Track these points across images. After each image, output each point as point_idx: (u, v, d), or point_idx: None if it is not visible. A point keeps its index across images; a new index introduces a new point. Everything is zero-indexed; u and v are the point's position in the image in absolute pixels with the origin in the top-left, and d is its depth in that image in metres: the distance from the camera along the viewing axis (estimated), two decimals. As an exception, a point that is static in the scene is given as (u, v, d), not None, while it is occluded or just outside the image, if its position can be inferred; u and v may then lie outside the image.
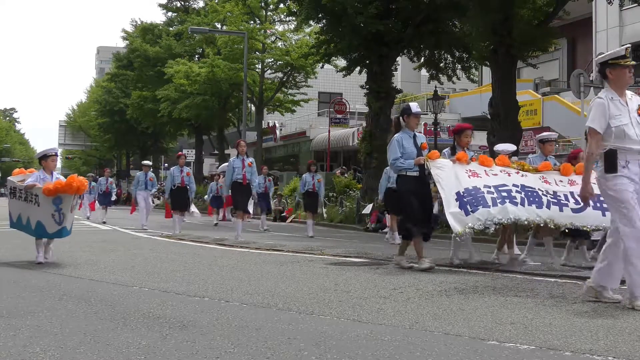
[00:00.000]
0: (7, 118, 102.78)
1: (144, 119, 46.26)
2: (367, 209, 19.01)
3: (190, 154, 48.19)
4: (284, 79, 36.35)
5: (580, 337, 4.03)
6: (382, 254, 9.33)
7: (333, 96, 39.78)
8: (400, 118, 8.04)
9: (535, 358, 3.54)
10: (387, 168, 13.41)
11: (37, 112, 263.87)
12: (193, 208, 16.17)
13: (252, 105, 37.40)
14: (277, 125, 41.74)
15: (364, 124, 23.73)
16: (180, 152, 17.24)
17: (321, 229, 19.84)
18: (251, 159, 13.13)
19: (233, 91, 37.02)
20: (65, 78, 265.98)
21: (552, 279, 6.84)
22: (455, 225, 7.18)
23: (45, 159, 8.43)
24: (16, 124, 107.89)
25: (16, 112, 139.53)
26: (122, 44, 56.77)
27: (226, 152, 41.09)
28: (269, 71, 36.45)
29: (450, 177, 7.51)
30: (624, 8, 24.05)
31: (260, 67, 36.34)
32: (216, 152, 44.55)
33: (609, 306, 5.18)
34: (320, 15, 21.24)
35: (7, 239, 11.83)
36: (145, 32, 47.95)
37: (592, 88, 16.24)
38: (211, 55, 35.91)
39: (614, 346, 3.79)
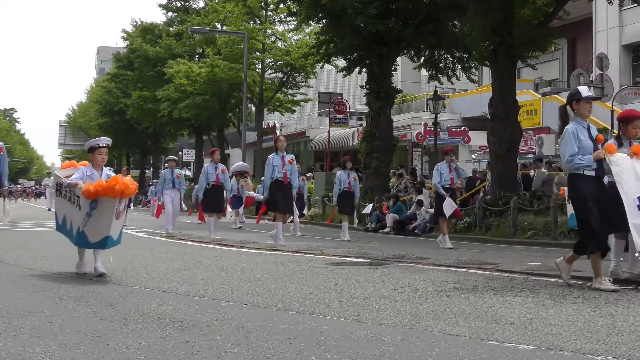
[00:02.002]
0: (7, 118, 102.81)
1: (144, 119, 46.26)
2: (367, 209, 19.02)
3: (190, 154, 48.25)
4: (284, 79, 36.37)
5: (580, 337, 4.03)
6: (382, 254, 9.33)
7: (333, 96, 39.78)
8: (568, 106, 6.81)
9: (535, 358, 3.54)
10: (440, 164, 12.75)
11: (37, 112, 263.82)
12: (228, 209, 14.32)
13: (252, 105, 37.42)
14: (277, 125, 41.76)
15: (364, 124, 23.74)
16: (214, 148, 15.07)
17: (321, 229, 19.84)
18: (292, 156, 12.05)
19: (233, 91, 37.04)
20: (65, 78, 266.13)
21: (552, 279, 6.84)
22: (639, 240, 5.91)
23: (92, 151, 6.95)
24: (16, 124, 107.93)
25: (16, 112, 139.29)
26: (122, 44, 56.80)
27: (226, 152, 41.10)
28: (269, 71, 36.46)
29: (630, 176, 6.14)
30: (624, 8, 24.05)
31: (260, 67, 36.36)
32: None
33: (609, 306, 5.18)
34: (320, 15, 21.25)
35: (6, 239, 11.82)
36: (145, 32, 47.95)
37: (592, 88, 16.24)
38: (211, 55, 35.92)
39: (614, 346, 3.79)
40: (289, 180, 11.54)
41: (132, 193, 6.79)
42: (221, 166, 14.08)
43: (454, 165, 12.84)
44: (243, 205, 20.81)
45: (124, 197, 6.71)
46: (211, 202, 13.83)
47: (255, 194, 21.75)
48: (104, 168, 7.03)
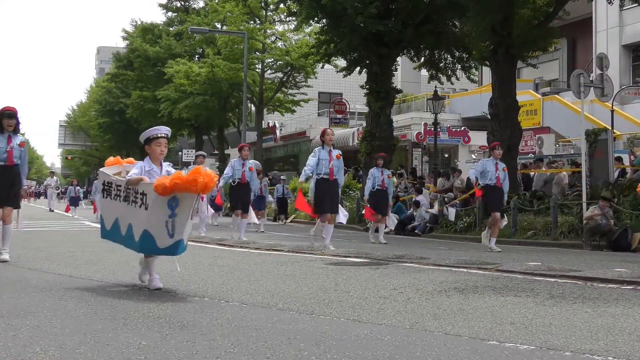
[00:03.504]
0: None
1: (144, 119, 46.24)
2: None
3: (190, 154, 48.22)
4: (284, 79, 36.38)
5: (580, 337, 4.03)
6: (382, 254, 9.33)
7: (333, 96, 39.81)
8: None
9: (535, 358, 3.54)
10: (485, 161, 11.89)
11: (37, 112, 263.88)
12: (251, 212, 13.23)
13: (252, 105, 37.42)
14: (277, 125, 41.76)
15: (364, 124, 23.73)
16: (243, 144, 14.13)
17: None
18: (339, 151, 11.04)
19: (233, 91, 37.04)
20: (65, 78, 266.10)
21: (552, 279, 6.84)
22: None
23: (148, 143, 5.93)
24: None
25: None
26: (122, 44, 56.78)
27: (226, 152, 41.10)
28: (269, 71, 36.47)
29: None
30: (624, 8, 24.06)
31: (260, 67, 36.37)
32: (216, 152, 44.54)
33: (609, 306, 5.18)
34: (320, 15, 21.25)
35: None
36: (145, 32, 47.95)
37: (592, 88, 16.24)
38: (211, 55, 35.93)
39: (614, 346, 3.79)
40: (335, 177, 10.75)
41: (212, 188, 5.72)
42: (249, 163, 13.18)
43: (503, 164, 12.04)
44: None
45: (206, 192, 5.80)
46: (236, 199, 12.98)
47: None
48: (163, 162, 5.98)
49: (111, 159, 6.66)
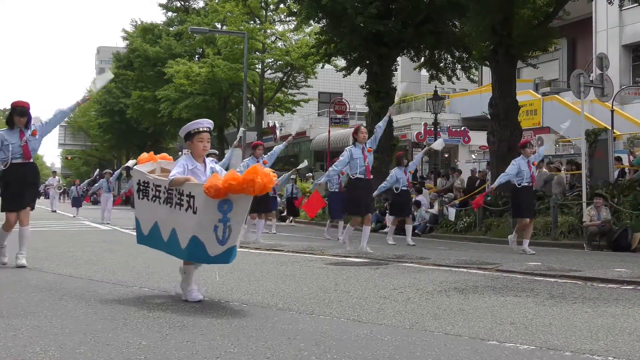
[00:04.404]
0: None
1: (144, 119, 46.29)
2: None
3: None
4: (284, 79, 36.37)
5: (580, 337, 4.03)
6: (382, 254, 9.33)
7: (333, 96, 39.78)
8: None
9: (535, 358, 3.54)
10: (518, 160, 11.27)
11: (37, 112, 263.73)
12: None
13: (252, 105, 37.42)
14: (277, 125, 41.74)
15: (364, 124, 23.72)
16: (258, 142, 13.70)
17: (321, 229, 19.82)
18: (370, 145, 10.52)
19: (233, 91, 37.05)
20: (66, 78, 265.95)
21: (552, 279, 6.84)
22: None
23: (190, 138, 5.30)
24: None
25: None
26: (122, 44, 56.81)
27: (226, 152, 41.10)
28: (269, 71, 36.47)
29: None
30: (624, 8, 24.06)
31: (260, 67, 36.37)
32: (216, 152, 44.58)
33: (609, 306, 5.18)
34: (320, 15, 21.26)
35: (7, 239, 11.79)
36: (145, 32, 47.97)
37: (592, 88, 16.23)
38: (211, 55, 35.94)
39: (614, 346, 3.79)
40: (371, 176, 10.28)
41: (271, 188, 5.12)
42: (263, 158, 12.61)
43: (532, 159, 11.45)
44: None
45: (263, 193, 5.05)
46: (254, 201, 12.67)
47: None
48: (206, 160, 5.41)
49: (144, 155, 5.98)
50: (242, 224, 5.04)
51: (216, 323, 4.35)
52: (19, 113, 7.50)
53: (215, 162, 5.54)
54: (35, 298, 5.34)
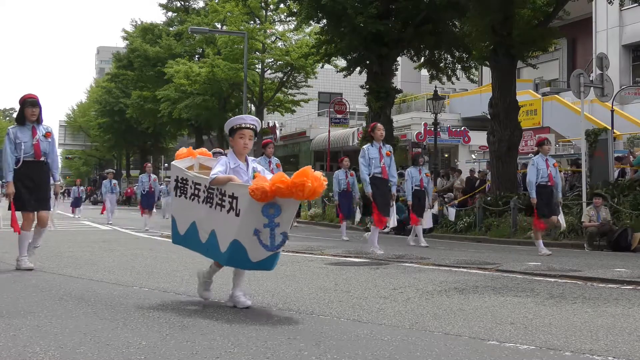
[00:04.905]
0: (7, 118, 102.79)
1: (144, 119, 46.30)
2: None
3: (190, 154, 48.20)
4: (284, 79, 36.38)
5: (580, 337, 4.03)
6: (382, 254, 9.33)
7: (333, 96, 39.81)
8: None
9: (535, 358, 3.54)
10: (536, 158, 10.91)
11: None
12: None
13: (252, 105, 37.42)
14: (277, 125, 41.76)
15: (364, 124, 23.72)
16: (268, 139, 13.10)
17: (321, 229, 19.84)
18: (389, 147, 10.29)
19: (233, 91, 37.07)
20: (65, 78, 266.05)
21: (552, 279, 6.84)
22: None
23: (232, 133, 5.04)
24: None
25: (16, 112, 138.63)
26: (122, 44, 56.91)
27: (226, 151, 41.09)
28: (269, 71, 36.48)
29: None
30: (624, 8, 24.08)
31: (260, 67, 36.38)
32: (222, 150, 44.55)
33: (609, 306, 5.18)
34: (320, 15, 21.25)
35: (6, 239, 11.81)
36: (145, 32, 48.01)
37: (592, 88, 16.23)
38: (211, 55, 35.95)
39: (614, 346, 3.80)
40: (387, 177, 10.02)
41: (321, 193, 4.74)
42: (275, 160, 12.55)
43: (554, 160, 11.19)
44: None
45: (312, 198, 4.76)
46: None
47: None
48: (248, 158, 5.11)
49: (183, 149, 5.67)
50: (288, 229, 4.74)
51: (216, 323, 4.35)
52: (31, 104, 7.21)
53: (256, 161, 5.21)
54: (35, 298, 5.34)
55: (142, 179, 17.64)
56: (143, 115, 45.54)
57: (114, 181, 21.65)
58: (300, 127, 41.82)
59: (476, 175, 21.49)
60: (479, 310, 4.92)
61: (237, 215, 4.65)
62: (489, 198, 16.81)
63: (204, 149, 5.98)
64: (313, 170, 4.56)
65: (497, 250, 11.98)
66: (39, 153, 7.24)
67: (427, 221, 13.69)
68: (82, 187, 29.37)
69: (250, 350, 3.62)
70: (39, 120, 7.30)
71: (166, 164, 53.97)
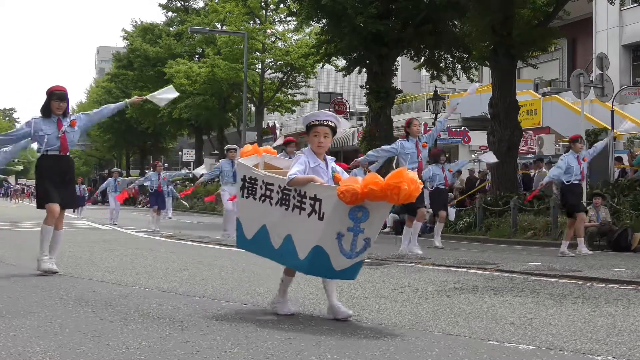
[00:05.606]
0: (7, 118, 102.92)
1: (144, 119, 46.29)
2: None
3: (190, 154, 48.26)
4: (284, 79, 36.39)
5: (580, 337, 4.03)
6: (382, 254, 9.32)
7: (333, 96, 39.82)
8: None
9: (535, 358, 3.54)
10: (567, 156, 10.84)
11: (37, 112, 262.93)
12: None
13: (252, 105, 37.44)
14: (276, 125, 41.77)
15: (364, 124, 23.72)
16: (290, 138, 13.13)
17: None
18: (426, 138, 10.14)
19: (233, 91, 37.09)
20: (65, 78, 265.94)
21: (552, 279, 6.84)
22: None
23: (308, 130, 4.75)
24: (16, 124, 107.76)
25: (16, 112, 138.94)
26: (122, 44, 56.89)
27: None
28: (269, 71, 36.50)
29: None
30: (624, 8, 24.07)
31: (260, 67, 36.40)
32: (216, 152, 44.54)
33: (609, 306, 5.18)
34: (320, 15, 21.24)
35: (6, 239, 11.82)
36: (145, 32, 48.05)
37: (592, 88, 16.23)
38: (211, 55, 35.98)
39: (614, 346, 3.79)
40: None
41: (416, 197, 4.31)
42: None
43: (583, 154, 10.92)
44: None
45: (408, 202, 4.23)
46: None
47: None
48: (327, 158, 4.70)
49: (248, 146, 5.33)
50: (376, 236, 4.39)
51: (216, 323, 4.35)
52: (59, 97, 6.80)
53: (333, 160, 4.83)
54: (35, 298, 5.34)
55: (152, 177, 17.16)
56: (143, 115, 45.55)
57: (119, 179, 21.24)
58: (300, 127, 41.80)
59: (476, 175, 21.48)
60: (479, 310, 4.92)
61: (321, 219, 4.26)
62: (489, 198, 16.80)
63: (268, 147, 5.57)
64: (407, 171, 4.18)
65: (497, 250, 11.98)
66: (65, 146, 6.84)
67: (451, 214, 13.69)
68: (84, 186, 29.15)
69: (250, 350, 3.62)
70: (65, 114, 6.91)
71: (166, 164, 54.00)
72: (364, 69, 22.57)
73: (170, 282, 6.40)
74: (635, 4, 22.60)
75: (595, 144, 12.16)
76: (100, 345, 3.70)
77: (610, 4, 18.00)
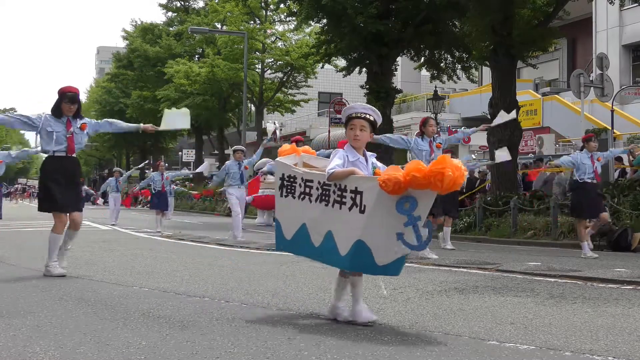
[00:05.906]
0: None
1: (144, 119, 46.22)
2: None
3: (190, 154, 48.24)
4: (284, 79, 36.40)
5: (580, 337, 4.03)
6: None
7: (333, 96, 39.81)
8: None
9: (535, 358, 3.54)
10: (578, 154, 10.67)
11: (36, 112, 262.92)
12: None
13: (252, 105, 37.45)
14: (276, 125, 41.74)
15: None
16: (298, 137, 12.85)
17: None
18: (441, 139, 10.06)
19: (233, 91, 37.11)
20: (65, 78, 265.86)
21: (552, 279, 6.84)
22: None
23: (345, 124, 4.55)
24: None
25: (16, 112, 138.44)
26: (122, 44, 56.89)
27: (226, 152, 41.16)
28: (269, 71, 36.51)
29: None
30: (624, 8, 24.07)
31: (260, 67, 36.41)
32: (216, 152, 44.55)
33: (609, 306, 5.18)
34: (320, 15, 21.24)
35: (6, 239, 11.82)
36: (145, 32, 48.06)
37: (592, 88, 16.24)
38: (211, 55, 35.99)
39: (614, 346, 3.80)
40: None
41: (461, 185, 4.26)
42: None
43: (597, 154, 10.63)
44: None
45: (453, 190, 4.06)
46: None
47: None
48: (367, 153, 4.50)
49: (286, 146, 5.14)
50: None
51: (216, 323, 4.35)
52: (70, 99, 6.63)
53: (374, 156, 4.60)
54: (35, 298, 5.34)
55: (155, 177, 16.82)
56: (143, 115, 45.53)
57: (120, 178, 21.09)
58: (300, 127, 41.82)
59: (476, 175, 21.48)
60: (479, 310, 4.92)
61: (362, 212, 4.10)
62: (489, 198, 16.79)
63: (307, 147, 5.40)
64: (452, 159, 3.98)
65: (497, 250, 11.97)
66: (72, 147, 6.69)
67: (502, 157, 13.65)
68: (85, 186, 29.05)
69: (250, 350, 3.62)
70: (75, 116, 6.77)
71: (166, 164, 53.92)
72: (364, 69, 22.56)
73: (170, 282, 6.40)
74: (635, 4, 22.59)
75: (611, 149, 12.12)
76: (100, 345, 3.70)
77: (610, 4, 18.00)
